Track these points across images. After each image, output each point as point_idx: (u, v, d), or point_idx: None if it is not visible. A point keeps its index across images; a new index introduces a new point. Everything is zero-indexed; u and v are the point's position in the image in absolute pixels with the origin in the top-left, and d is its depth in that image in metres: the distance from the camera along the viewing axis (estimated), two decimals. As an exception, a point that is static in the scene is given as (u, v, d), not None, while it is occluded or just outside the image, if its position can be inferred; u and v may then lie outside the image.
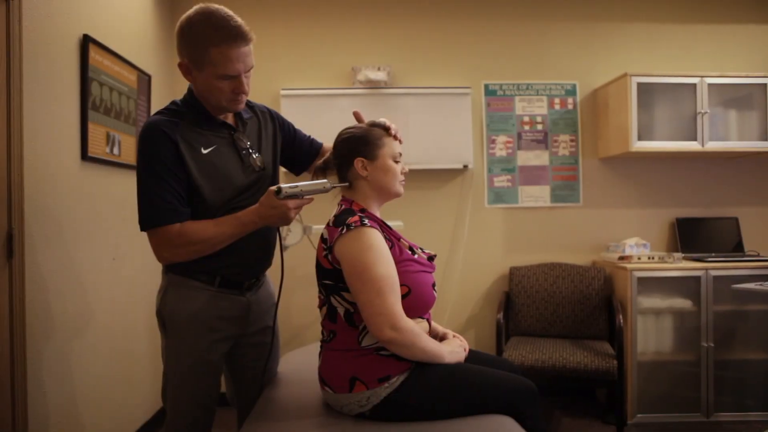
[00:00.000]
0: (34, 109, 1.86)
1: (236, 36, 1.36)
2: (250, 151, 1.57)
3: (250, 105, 1.64)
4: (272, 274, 1.77)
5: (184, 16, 1.41)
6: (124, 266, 2.53)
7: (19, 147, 1.76)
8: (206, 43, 1.36)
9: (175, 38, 1.43)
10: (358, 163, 1.49)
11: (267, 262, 1.68)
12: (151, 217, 1.40)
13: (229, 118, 1.56)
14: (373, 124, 1.55)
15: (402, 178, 1.55)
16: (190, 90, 1.51)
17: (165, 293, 1.52)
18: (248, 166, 1.55)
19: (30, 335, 1.81)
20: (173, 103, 1.51)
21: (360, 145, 1.50)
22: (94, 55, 2.24)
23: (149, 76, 2.79)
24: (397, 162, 1.53)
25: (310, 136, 1.81)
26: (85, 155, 2.18)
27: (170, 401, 1.52)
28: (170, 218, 1.39)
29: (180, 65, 1.44)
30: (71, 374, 2.09)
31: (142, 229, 1.42)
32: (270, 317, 1.69)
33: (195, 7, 1.40)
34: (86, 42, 2.18)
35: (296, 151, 1.76)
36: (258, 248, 1.60)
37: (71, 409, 2.08)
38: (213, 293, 1.51)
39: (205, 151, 1.47)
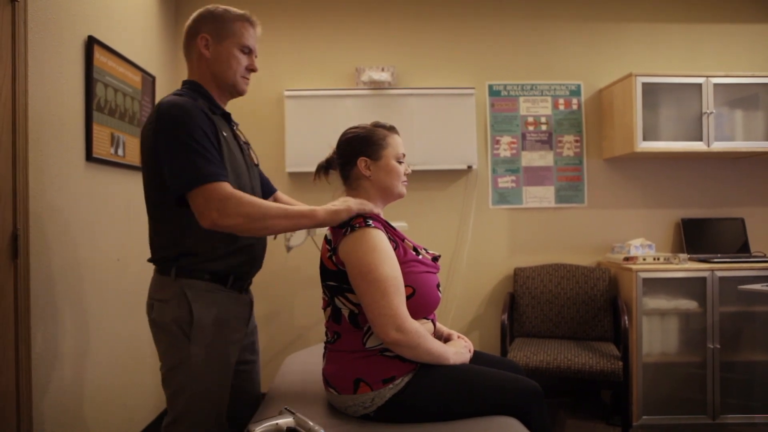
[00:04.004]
0: (39, 110, 1.86)
1: (252, 20, 1.56)
2: (248, 145, 1.62)
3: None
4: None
5: (203, 8, 1.54)
6: (129, 267, 2.54)
7: (24, 148, 1.77)
8: (229, 18, 1.51)
9: (192, 23, 1.52)
10: (362, 162, 1.49)
11: (263, 259, 1.66)
12: (201, 173, 1.30)
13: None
14: (377, 125, 1.55)
15: (405, 179, 1.55)
16: (190, 81, 1.52)
17: (182, 299, 1.41)
18: (249, 159, 1.58)
19: (35, 336, 1.81)
20: (179, 90, 1.50)
21: (364, 145, 1.50)
22: (99, 56, 2.25)
23: (153, 77, 2.79)
24: (400, 163, 1.53)
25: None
26: (89, 156, 2.18)
27: (188, 414, 1.42)
28: (225, 176, 1.35)
29: (200, 39, 1.50)
30: (76, 375, 2.09)
31: (189, 188, 1.31)
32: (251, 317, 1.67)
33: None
34: (91, 43, 2.19)
35: None
36: (261, 244, 1.60)
37: (76, 410, 2.09)
38: (227, 294, 1.49)
39: (225, 135, 1.48)
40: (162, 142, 1.36)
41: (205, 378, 1.42)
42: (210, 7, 1.53)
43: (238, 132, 1.60)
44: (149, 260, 1.51)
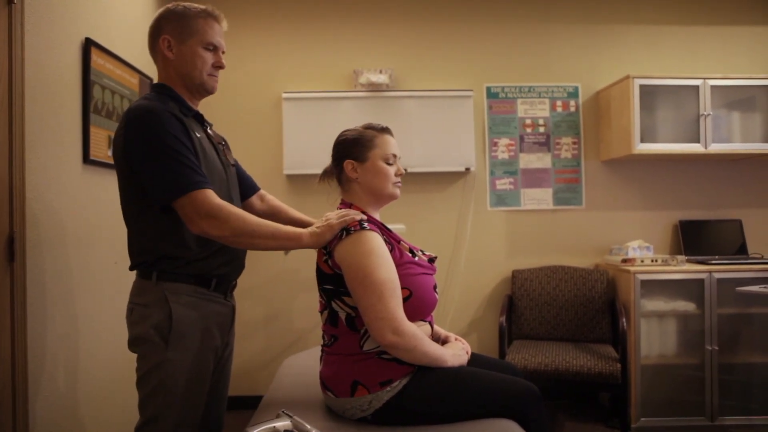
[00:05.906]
0: (36, 112, 1.86)
1: (216, 14, 1.50)
2: (223, 145, 1.59)
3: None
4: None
5: (163, 7, 1.49)
6: (126, 270, 2.52)
7: (21, 150, 1.76)
8: (191, 16, 1.46)
9: (154, 23, 1.48)
10: (348, 165, 1.49)
11: (244, 260, 1.63)
12: (184, 182, 1.31)
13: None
14: (369, 126, 1.54)
15: (396, 180, 1.53)
16: (159, 84, 1.50)
17: (163, 303, 1.39)
18: (224, 159, 1.56)
19: (31, 339, 1.80)
20: (148, 95, 1.48)
21: (350, 147, 1.50)
22: (96, 58, 2.24)
23: (151, 79, 2.79)
24: (390, 164, 1.51)
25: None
26: (86, 158, 2.18)
27: (159, 419, 1.41)
28: (207, 183, 1.35)
29: (162, 40, 1.45)
30: (73, 378, 2.08)
31: (175, 196, 1.31)
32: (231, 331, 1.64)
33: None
34: (88, 45, 2.19)
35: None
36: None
37: (73, 412, 2.08)
38: (210, 298, 1.47)
39: (198, 136, 1.46)
40: (136, 150, 1.35)
41: (179, 384, 1.39)
42: (170, 5, 1.48)
43: (211, 132, 1.57)
44: (130, 268, 1.48)
